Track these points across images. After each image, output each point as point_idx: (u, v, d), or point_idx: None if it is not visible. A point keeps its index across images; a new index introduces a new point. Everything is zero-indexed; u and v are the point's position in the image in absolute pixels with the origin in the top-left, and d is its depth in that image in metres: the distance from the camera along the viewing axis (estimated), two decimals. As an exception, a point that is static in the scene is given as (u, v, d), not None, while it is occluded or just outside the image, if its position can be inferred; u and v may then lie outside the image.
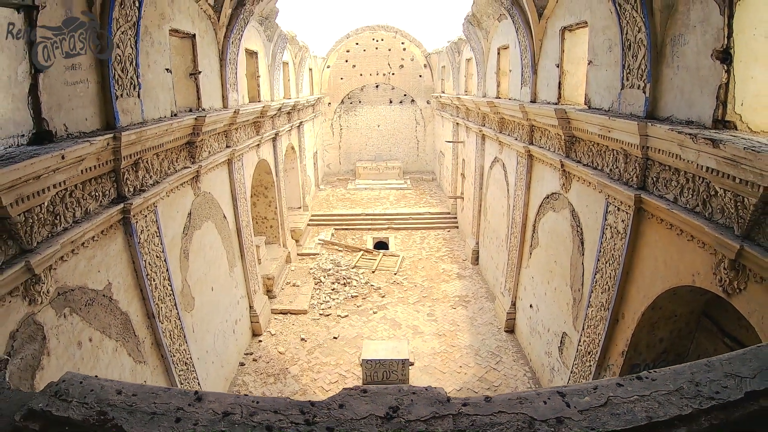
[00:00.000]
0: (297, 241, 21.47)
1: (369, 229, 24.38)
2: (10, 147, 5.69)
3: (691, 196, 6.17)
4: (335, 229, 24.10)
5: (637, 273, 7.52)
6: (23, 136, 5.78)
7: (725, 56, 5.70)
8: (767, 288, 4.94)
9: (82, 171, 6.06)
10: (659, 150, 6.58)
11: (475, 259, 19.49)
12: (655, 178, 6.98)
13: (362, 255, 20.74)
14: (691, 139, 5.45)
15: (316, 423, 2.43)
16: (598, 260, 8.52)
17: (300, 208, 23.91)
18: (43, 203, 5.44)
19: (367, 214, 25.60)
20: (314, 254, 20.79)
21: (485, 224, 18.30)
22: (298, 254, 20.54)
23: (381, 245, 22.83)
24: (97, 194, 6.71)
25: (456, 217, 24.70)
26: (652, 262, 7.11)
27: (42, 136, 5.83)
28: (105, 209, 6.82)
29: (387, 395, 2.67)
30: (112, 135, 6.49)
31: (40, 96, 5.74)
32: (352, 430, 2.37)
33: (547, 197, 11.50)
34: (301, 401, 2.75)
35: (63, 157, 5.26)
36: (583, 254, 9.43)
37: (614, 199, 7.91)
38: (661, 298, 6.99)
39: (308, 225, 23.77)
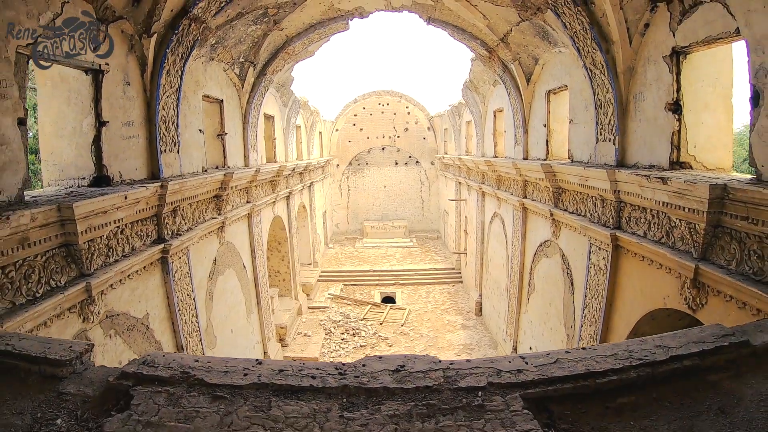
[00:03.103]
0: (308, 295, 22.30)
1: (377, 284, 25.21)
2: (70, 187, 6.83)
3: (657, 229, 7.12)
4: (344, 284, 24.94)
5: (618, 303, 8.37)
6: (84, 178, 6.94)
7: (676, 107, 6.84)
8: (723, 299, 5.74)
9: (137, 212, 7.14)
10: (628, 192, 7.61)
11: (479, 311, 20.21)
12: (627, 218, 7.96)
13: (370, 308, 21.51)
14: (646, 179, 6.51)
15: (347, 373, 3.45)
16: (586, 296, 9.38)
17: (310, 264, 24.87)
18: (103, 236, 6.49)
19: (374, 271, 26.49)
20: (324, 307, 21.58)
21: (487, 276, 19.14)
22: (308, 307, 21.33)
23: (388, 300, 23.60)
24: (141, 234, 7.76)
25: (460, 272, 25.54)
26: (630, 292, 7.99)
27: (100, 180, 6.97)
28: (148, 248, 7.85)
29: (396, 359, 3.72)
30: (159, 184, 7.61)
31: (102, 146, 6.93)
32: (372, 376, 3.36)
33: (541, 245, 12.45)
34: (336, 362, 3.81)
35: (126, 198, 6.37)
36: (573, 293, 10.28)
37: (595, 239, 8.87)
38: (642, 324, 7.79)
39: (318, 280, 24.65)
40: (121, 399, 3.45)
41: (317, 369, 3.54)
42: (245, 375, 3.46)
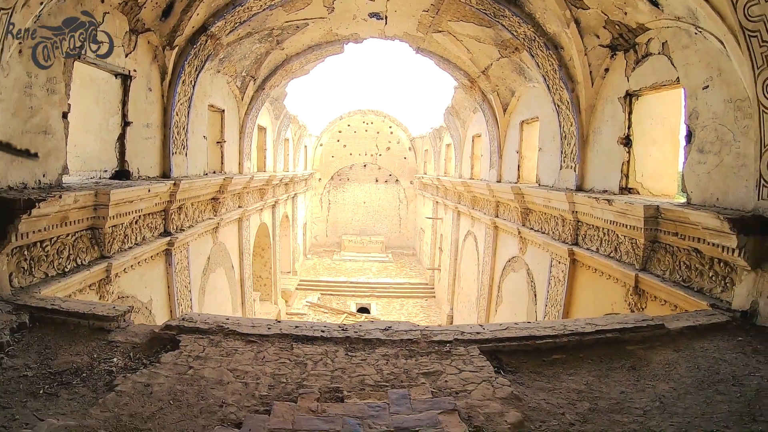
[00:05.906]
0: (286, 301, 23.05)
1: (353, 295, 26.08)
2: (92, 178, 7.63)
3: (607, 245, 8.22)
4: (321, 293, 25.77)
5: (574, 310, 9.43)
6: (106, 171, 7.77)
7: (627, 141, 8.00)
8: (659, 303, 6.76)
9: (153, 204, 7.98)
10: (584, 213, 8.74)
11: (450, 323, 21.17)
12: (583, 235, 9.08)
13: (346, 317, 22.37)
14: (596, 200, 7.65)
15: (347, 330, 4.44)
16: (546, 305, 10.44)
17: (290, 272, 25.62)
18: (124, 223, 7.32)
19: (351, 282, 27.37)
20: (302, 314, 22.35)
21: (459, 291, 20.18)
22: (287, 313, 22.07)
23: (363, 310, 24.50)
24: (152, 226, 8.58)
25: (433, 288, 26.56)
26: (584, 300, 9.07)
27: (121, 174, 7.79)
28: (156, 239, 8.65)
29: (385, 323, 4.71)
30: (173, 182, 8.47)
31: (125, 143, 7.77)
32: (367, 333, 4.34)
33: (509, 260, 13.55)
34: (339, 323, 4.85)
35: (149, 191, 7.24)
36: (536, 304, 11.35)
37: (556, 254, 9.97)
38: (591, 330, 8.86)
39: (297, 288, 25.41)
40: (166, 345, 4.34)
41: (324, 326, 4.52)
42: (269, 328, 4.41)
